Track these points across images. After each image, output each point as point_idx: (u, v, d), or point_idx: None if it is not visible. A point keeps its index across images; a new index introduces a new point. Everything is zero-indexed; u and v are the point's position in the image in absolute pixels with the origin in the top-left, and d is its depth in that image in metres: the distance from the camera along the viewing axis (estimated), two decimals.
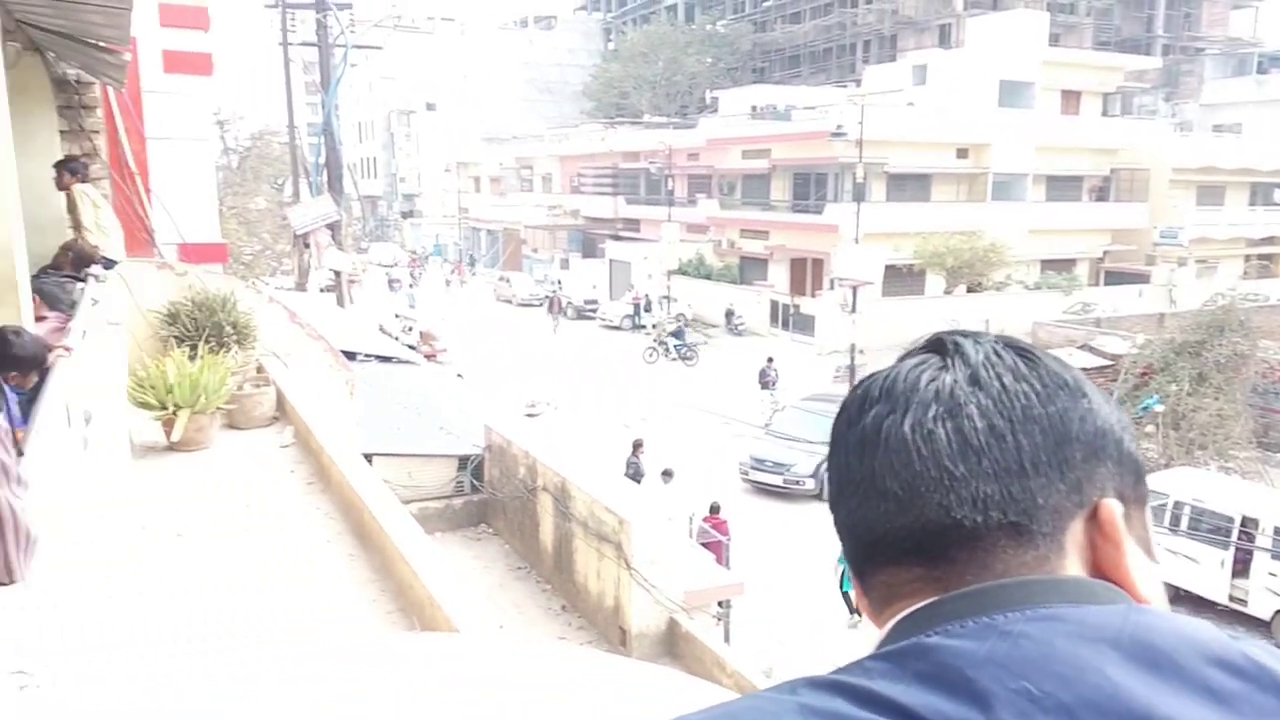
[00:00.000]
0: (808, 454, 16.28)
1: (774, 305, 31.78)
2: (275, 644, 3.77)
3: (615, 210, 42.06)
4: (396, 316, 27.83)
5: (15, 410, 3.41)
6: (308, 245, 21.52)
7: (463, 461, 10.28)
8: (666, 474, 13.33)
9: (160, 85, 10.17)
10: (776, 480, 16.68)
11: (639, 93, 52.46)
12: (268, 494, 5.76)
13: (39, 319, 4.62)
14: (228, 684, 1.26)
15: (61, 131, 7.66)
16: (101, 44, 6.71)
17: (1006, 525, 0.61)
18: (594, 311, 34.94)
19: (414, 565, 4.09)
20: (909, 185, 31.85)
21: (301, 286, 22.44)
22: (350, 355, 11.69)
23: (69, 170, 6.66)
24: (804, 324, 29.94)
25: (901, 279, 30.21)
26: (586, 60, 58.28)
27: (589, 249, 43.57)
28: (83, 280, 6.24)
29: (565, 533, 8.16)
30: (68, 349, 3.89)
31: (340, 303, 22.40)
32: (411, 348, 20.45)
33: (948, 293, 30.33)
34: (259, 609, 4.30)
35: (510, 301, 39.61)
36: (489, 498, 9.88)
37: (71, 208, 6.75)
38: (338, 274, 22.76)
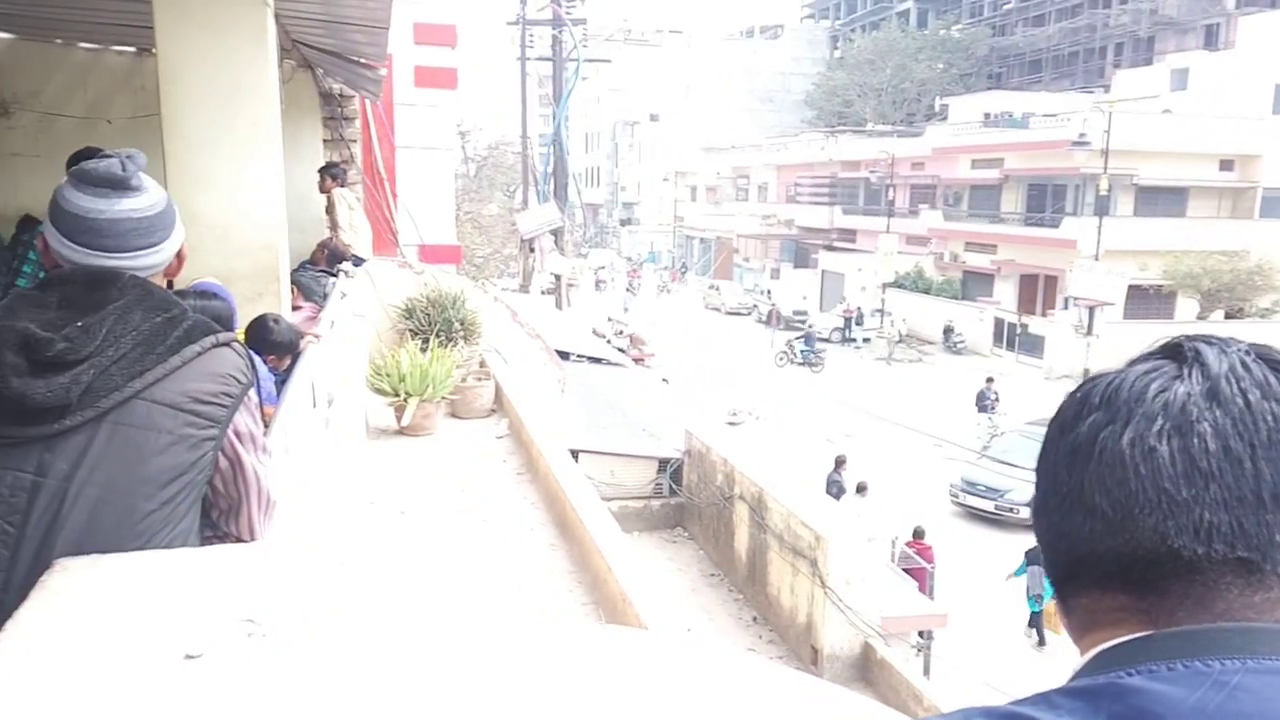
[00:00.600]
0: (1026, 482, 15.32)
1: (998, 323, 30.03)
2: (477, 622, 4.01)
3: (831, 220, 41.32)
4: (609, 320, 28.77)
5: (271, 389, 3.82)
6: (533, 249, 22.64)
7: (663, 464, 10.45)
8: (861, 489, 12.93)
9: (411, 98, 11.07)
10: (988, 506, 15.81)
11: (863, 100, 51.28)
12: (482, 480, 6.12)
13: (295, 308, 5.14)
14: (426, 644, 1.34)
15: (324, 140, 8.50)
16: (362, 60, 7.39)
17: (1234, 561, 0.55)
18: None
19: (609, 561, 4.21)
20: (1161, 199, 29.13)
21: (525, 288, 23.67)
22: (564, 355, 12.22)
23: (330, 175, 7.39)
24: (1031, 345, 28.09)
25: (1147, 301, 27.68)
26: (810, 68, 57.68)
27: (801, 259, 43.07)
28: (335, 275, 6.88)
29: (760, 543, 8.10)
30: (317, 336, 4.31)
31: (558, 304, 23.44)
32: (621, 351, 21.02)
33: (1201, 318, 27.46)
34: (469, 585, 4.57)
35: (719, 310, 39.85)
36: (686, 502, 9.98)
37: (330, 209, 7.47)
38: (558, 277, 23.84)
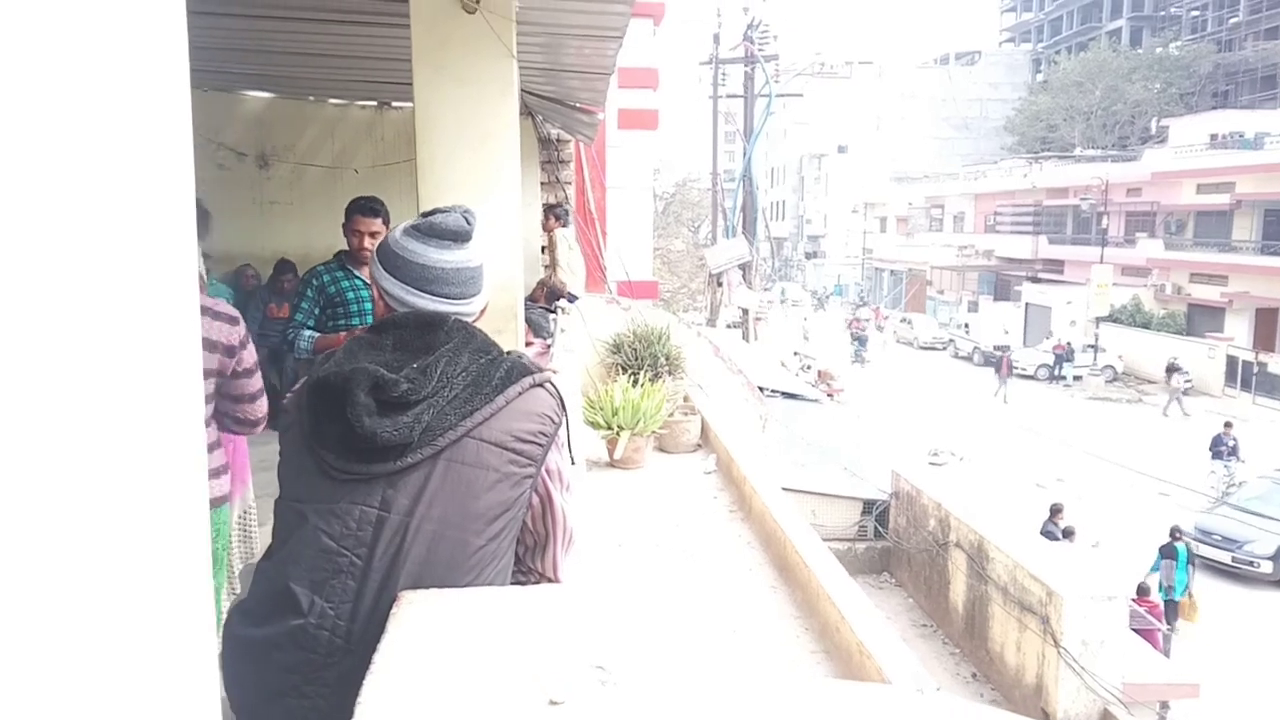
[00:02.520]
0: (1271, 533, 13.76)
1: (1231, 361, 27.30)
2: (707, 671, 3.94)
3: (1035, 250, 39.08)
4: (795, 354, 28.36)
5: None
6: (720, 284, 22.72)
7: (867, 505, 10.10)
8: (1068, 533, 11.95)
9: (617, 140, 11.41)
10: (1225, 558, 14.27)
11: (1069, 125, 48.43)
12: (694, 516, 6.11)
13: (527, 344, 5.35)
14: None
15: (542, 183, 8.88)
16: (580, 105, 7.68)
17: None
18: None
19: (841, 608, 4.06)
20: None
21: (711, 323, 23.77)
22: (759, 390, 12.12)
23: (554, 215, 7.69)
24: (1271, 385, 25.33)
25: None
26: (1010, 93, 55.19)
27: (1001, 291, 40.93)
28: (553, 312, 7.13)
29: (980, 595, 7.63)
30: (555, 372, 4.45)
31: (745, 338, 23.36)
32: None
33: None
34: (688, 625, 4.54)
35: (911, 344, 38.46)
36: (893, 546, 9.58)
37: (551, 248, 7.77)
38: (745, 311, 23.78)
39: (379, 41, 5.20)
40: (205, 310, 2.43)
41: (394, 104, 8.10)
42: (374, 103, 8.22)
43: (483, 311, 1.80)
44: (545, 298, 7.35)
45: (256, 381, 2.70)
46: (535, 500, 1.66)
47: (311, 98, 8.22)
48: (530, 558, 1.74)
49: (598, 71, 6.46)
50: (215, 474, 2.62)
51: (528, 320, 5.49)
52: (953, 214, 46.29)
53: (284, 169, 8.24)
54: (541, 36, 5.45)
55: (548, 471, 1.65)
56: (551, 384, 1.72)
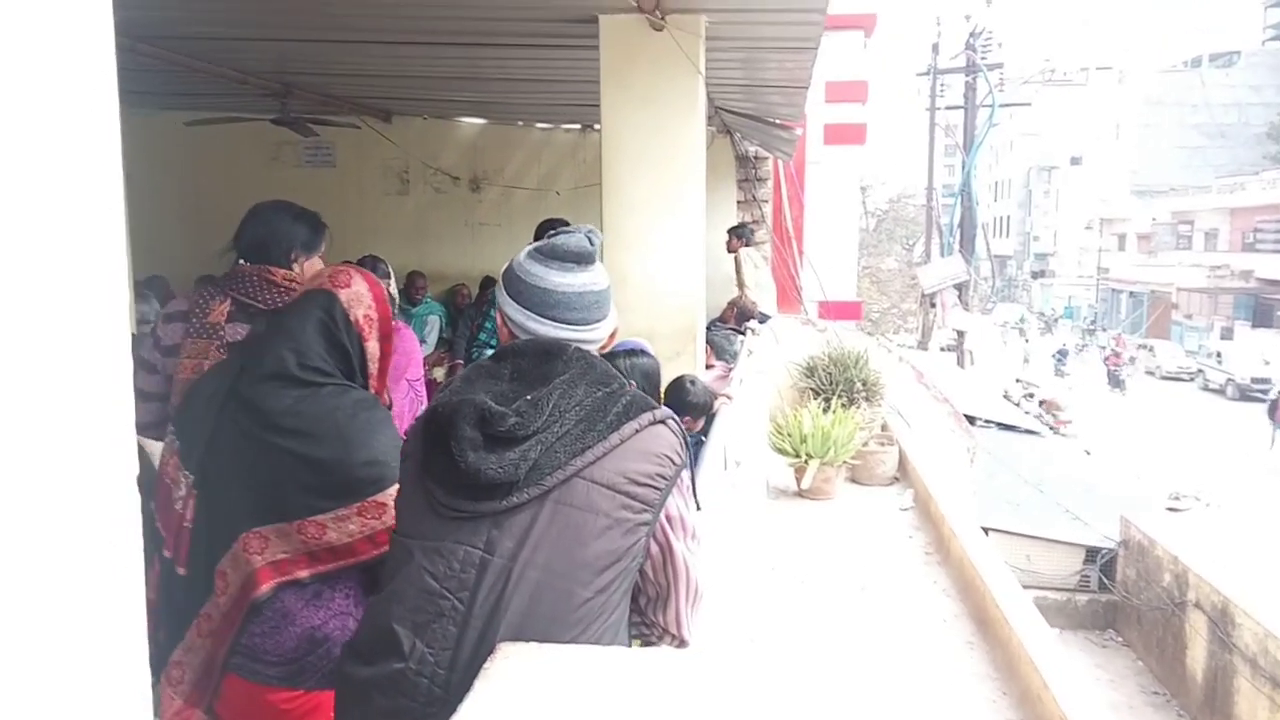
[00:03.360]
0: None
1: None
2: None
3: None
4: (1017, 381, 26.50)
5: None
6: (933, 304, 21.67)
7: (1091, 553, 9.17)
8: None
9: (819, 156, 11.10)
10: None
11: None
12: (886, 556, 5.72)
13: (708, 366, 5.21)
14: None
15: (738, 201, 8.75)
16: (778, 121, 7.49)
17: None
18: (1264, 393, 28.98)
19: (1045, 675, 3.61)
20: None
21: (923, 345, 22.68)
22: (969, 420, 11.33)
23: (737, 235, 7.55)
24: None
25: None
26: (1274, 97, 49.29)
27: (1261, 317, 36.45)
28: (742, 333, 6.96)
29: (1223, 665, 6.68)
30: (730, 398, 4.28)
31: (960, 363, 22.09)
32: (1033, 416, 19.16)
33: None
34: (873, 676, 4.21)
35: (1153, 374, 34.99)
36: (1121, 601, 8.63)
37: (738, 268, 7.62)
38: (960, 334, 22.52)
39: (578, 65, 5.27)
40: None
41: (595, 126, 8.25)
42: (578, 126, 8.42)
43: (612, 336, 1.69)
44: (735, 318, 7.20)
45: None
46: (654, 549, 1.51)
47: (520, 123, 8.54)
48: (652, 610, 1.60)
49: (795, 85, 6.26)
50: None
51: (710, 341, 5.37)
52: (1204, 230, 41.82)
53: (493, 192, 8.60)
54: (736, 51, 5.32)
55: (667, 518, 1.50)
56: (674, 421, 1.57)
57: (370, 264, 3.55)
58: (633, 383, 2.87)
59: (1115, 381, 30.67)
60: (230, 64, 5.81)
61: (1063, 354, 28.68)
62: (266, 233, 2.37)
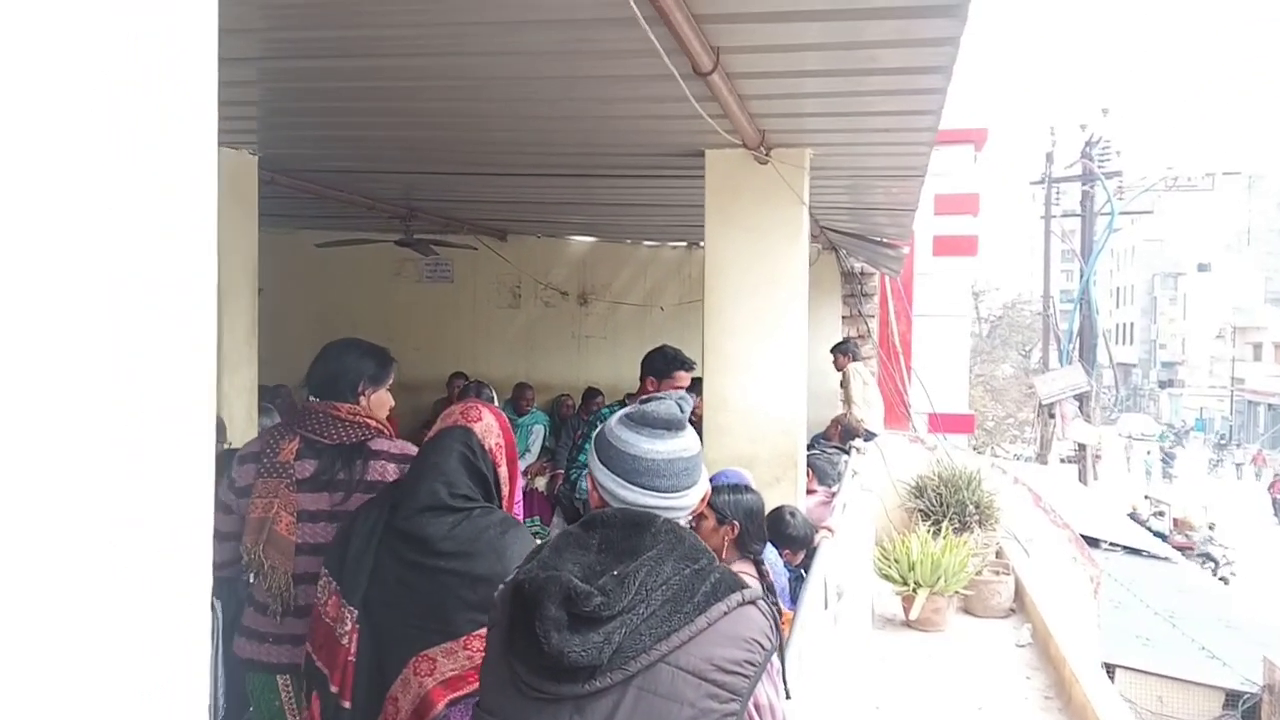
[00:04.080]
0: None
1: None
2: None
3: None
4: (1146, 498, 24.95)
5: (785, 585, 3.72)
6: (1052, 415, 20.81)
7: (1232, 698, 8.37)
8: None
9: (928, 268, 10.99)
10: None
11: None
12: (1001, 698, 5.37)
13: (809, 491, 5.11)
14: None
15: (843, 316, 8.71)
16: (885, 240, 7.49)
17: None
18: None
19: None
20: None
21: (1042, 458, 21.68)
22: (1093, 542, 10.68)
23: (843, 352, 7.48)
24: None
25: None
26: None
27: None
28: (847, 452, 6.82)
29: None
30: (831, 531, 4.17)
31: (1082, 478, 21.00)
32: (1161, 536, 17.91)
33: None
34: None
35: None
36: None
37: (844, 384, 7.53)
38: (1082, 447, 21.50)
39: (686, 191, 5.43)
40: (382, 453, 2.45)
41: (700, 244, 8.42)
42: (684, 243, 8.61)
43: (703, 500, 1.68)
44: (840, 436, 7.07)
45: None
46: None
47: (628, 240, 8.79)
48: None
49: (902, 208, 6.27)
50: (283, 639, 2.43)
51: (811, 465, 5.28)
52: None
53: (600, 306, 8.82)
54: (841, 179, 5.39)
55: (756, 706, 1.44)
56: (764, 602, 1.53)
57: (476, 389, 3.67)
58: (736, 523, 2.86)
59: None
60: (360, 192, 6.23)
61: (1169, 456, 25.94)
62: (335, 369, 2.48)
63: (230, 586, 2.55)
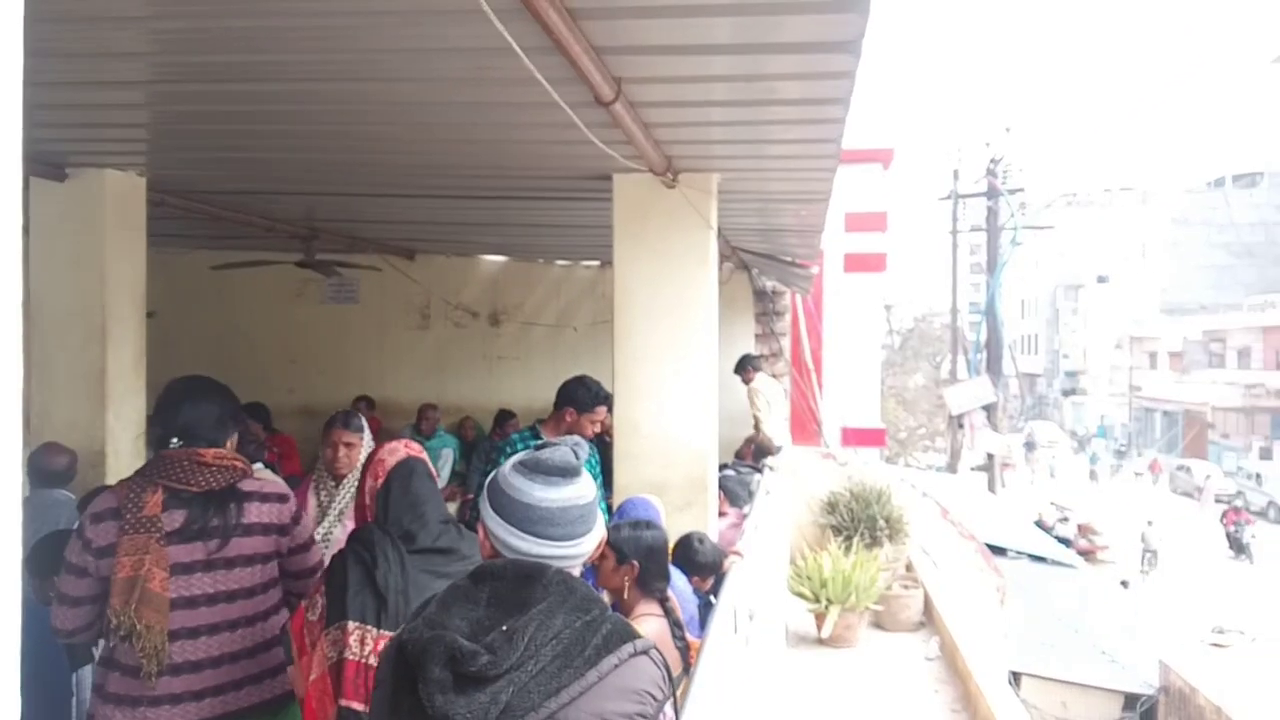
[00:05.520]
0: None
1: None
2: None
3: None
4: (1051, 504, 25.89)
5: (694, 612, 3.70)
6: (962, 425, 21.45)
7: (1129, 700, 8.72)
8: None
9: (838, 284, 11.20)
10: None
11: None
12: (910, 714, 5.46)
13: (720, 514, 5.12)
14: None
15: (756, 335, 8.80)
16: (795, 260, 7.60)
17: None
18: None
19: None
20: None
21: (952, 467, 22.33)
22: (999, 550, 11.00)
23: (753, 366, 7.55)
24: None
25: None
26: None
27: None
28: (759, 471, 6.87)
29: None
30: (740, 554, 4.18)
31: (991, 486, 21.68)
32: (1065, 541, 18.55)
33: None
34: None
35: (1191, 495, 34.09)
36: None
37: (751, 401, 7.60)
38: (990, 456, 22.21)
39: (597, 212, 5.41)
40: (254, 494, 2.44)
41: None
42: (596, 262, 8.58)
43: (598, 547, 1.65)
44: (753, 455, 7.12)
45: (314, 555, 2.66)
46: None
47: (540, 260, 8.72)
48: None
49: (810, 229, 6.37)
50: (274, 672, 2.47)
51: (722, 487, 5.29)
52: (1236, 349, 41.44)
53: (512, 326, 8.73)
54: (749, 203, 5.44)
55: None
56: (656, 652, 1.51)
57: (344, 419, 3.56)
58: (635, 563, 2.83)
59: (1238, 547, 23.95)
60: (258, 213, 6.03)
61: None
62: (199, 413, 2.41)
63: (68, 651, 2.43)
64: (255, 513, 2.41)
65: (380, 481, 2.33)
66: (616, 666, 1.41)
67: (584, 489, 1.56)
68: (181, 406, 2.39)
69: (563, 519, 1.51)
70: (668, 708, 1.50)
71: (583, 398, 3.77)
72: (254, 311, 8.33)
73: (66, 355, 4.42)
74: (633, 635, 1.48)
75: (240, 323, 8.28)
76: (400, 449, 2.40)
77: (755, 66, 3.10)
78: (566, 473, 1.54)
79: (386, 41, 2.89)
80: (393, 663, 1.47)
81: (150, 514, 2.26)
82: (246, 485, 2.42)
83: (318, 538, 3.05)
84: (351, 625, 2.15)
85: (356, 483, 3.12)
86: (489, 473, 4.24)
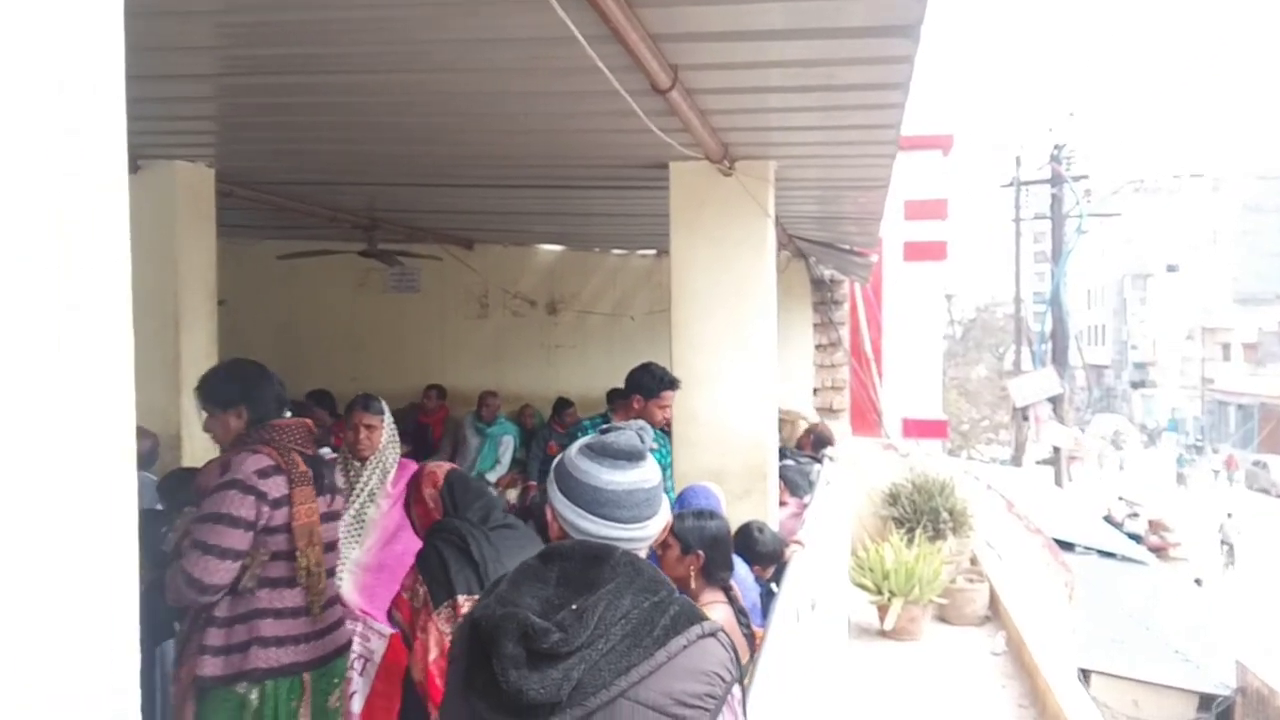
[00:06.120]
0: None
1: None
2: None
3: None
4: (1120, 499, 25.20)
5: (755, 600, 3.67)
6: (1026, 418, 20.99)
7: (1205, 700, 8.44)
8: None
9: (898, 273, 11.03)
10: None
11: None
12: (975, 708, 5.36)
13: (781, 503, 5.06)
14: None
15: (814, 324, 8.69)
16: (853, 249, 7.49)
17: None
18: None
19: None
20: None
21: (1017, 460, 21.86)
22: (1067, 546, 10.72)
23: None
24: None
25: None
26: None
27: None
28: (820, 461, 6.79)
29: None
30: (801, 544, 4.13)
31: (1058, 481, 21.16)
32: (1135, 538, 18.02)
33: None
34: None
35: (1268, 491, 32.89)
36: None
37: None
38: (1057, 450, 21.68)
39: (653, 200, 5.39)
40: (332, 461, 3.00)
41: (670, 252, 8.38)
42: (653, 251, 8.56)
43: (663, 531, 1.65)
44: (813, 445, 7.04)
45: (335, 530, 2.93)
46: None
47: (596, 249, 8.74)
48: None
49: (870, 217, 6.26)
50: (333, 627, 2.76)
51: (782, 477, 5.23)
52: None
53: (569, 315, 8.76)
54: (809, 190, 5.37)
55: None
56: (724, 634, 1.49)
57: (364, 401, 3.60)
58: (700, 553, 2.81)
59: None
60: (321, 203, 6.13)
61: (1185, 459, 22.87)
62: (283, 391, 2.76)
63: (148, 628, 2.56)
64: (332, 473, 2.79)
65: (439, 487, 2.68)
66: (685, 647, 1.41)
67: (649, 473, 1.56)
68: (270, 382, 2.69)
69: (629, 502, 1.52)
70: (736, 690, 1.48)
71: (648, 384, 3.77)
72: (319, 300, 8.50)
73: (142, 342, 4.53)
74: (701, 617, 1.48)
75: (306, 311, 8.45)
76: (444, 465, 2.82)
77: (813, 52, 3.06)
78: (632, 456, 1.55)
79: (445, 32, 2.91)
80: (466, 640, 1.48)
81: (303, 470, 2.58)
82: (325, 453, 2.84)
83: (350, 516, 3.30)
84: (461, 599, 2.33)
85: (379, 466, 3.46)
86: (545, 458, 4.34)
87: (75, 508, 0.74)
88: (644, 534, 1.54)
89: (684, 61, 3.06)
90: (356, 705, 3.12)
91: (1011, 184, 24.62)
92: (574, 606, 1.39)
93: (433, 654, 2.34)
